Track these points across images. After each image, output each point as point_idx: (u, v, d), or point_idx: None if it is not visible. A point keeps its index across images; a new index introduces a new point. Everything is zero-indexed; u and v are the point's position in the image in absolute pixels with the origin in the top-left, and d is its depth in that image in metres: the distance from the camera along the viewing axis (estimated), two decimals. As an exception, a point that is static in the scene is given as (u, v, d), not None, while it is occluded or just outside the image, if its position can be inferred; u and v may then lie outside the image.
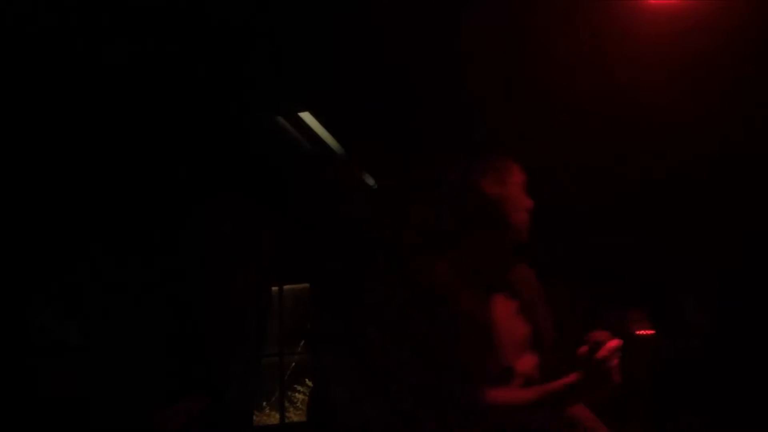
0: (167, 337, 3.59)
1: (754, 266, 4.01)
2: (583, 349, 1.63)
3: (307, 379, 5.25)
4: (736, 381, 4.03)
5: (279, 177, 4.07)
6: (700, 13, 2.72)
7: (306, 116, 3.74)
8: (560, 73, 3.16)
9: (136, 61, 3.05)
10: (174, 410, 3.09)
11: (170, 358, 3.40)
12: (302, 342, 5.10)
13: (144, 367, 3.47)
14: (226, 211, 3.31)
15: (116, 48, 2.97)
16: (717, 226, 3.89)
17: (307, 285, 4.95)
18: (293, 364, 5.34)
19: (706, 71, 3.09)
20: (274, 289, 5.03)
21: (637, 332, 4.18)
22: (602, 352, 1.60)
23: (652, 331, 4.23)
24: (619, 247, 3.93)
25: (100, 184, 3.77)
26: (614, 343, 1.62)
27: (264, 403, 5.43)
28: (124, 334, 3.93)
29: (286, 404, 5.25)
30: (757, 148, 3.43)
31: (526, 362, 1.88)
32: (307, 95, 3.57)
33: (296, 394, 5.46)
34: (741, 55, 3.01)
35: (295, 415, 5.35)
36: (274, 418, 5.39)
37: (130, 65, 3.08)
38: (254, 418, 4.83)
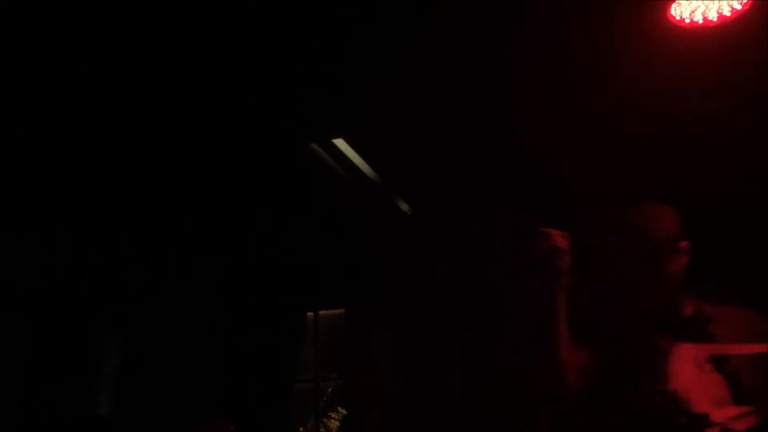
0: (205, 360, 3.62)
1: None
2: None
3: (339, 407, 5.23)
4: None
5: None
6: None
7: (340, 143, 3.78)
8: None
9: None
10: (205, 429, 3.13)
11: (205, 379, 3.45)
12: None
13: (181, 386, 3.52)
14: None
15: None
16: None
17: (342, 311, 4.96)
18: (329, 390, 5.33)
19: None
20: (310, 314, 5.06)
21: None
22: None
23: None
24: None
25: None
26: None
27: (300, 429, 5.42)
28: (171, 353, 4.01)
29: (321, 430, 5.24)
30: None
31: None
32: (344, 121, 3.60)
33: (332, 421, 5.43)
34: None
35: (330, 442, 5.33)
36: (309, 445, 5.38)
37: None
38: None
